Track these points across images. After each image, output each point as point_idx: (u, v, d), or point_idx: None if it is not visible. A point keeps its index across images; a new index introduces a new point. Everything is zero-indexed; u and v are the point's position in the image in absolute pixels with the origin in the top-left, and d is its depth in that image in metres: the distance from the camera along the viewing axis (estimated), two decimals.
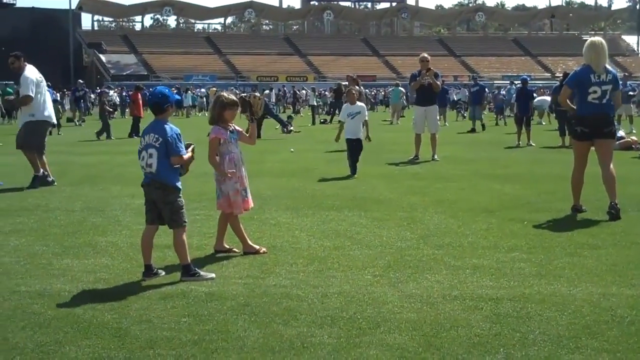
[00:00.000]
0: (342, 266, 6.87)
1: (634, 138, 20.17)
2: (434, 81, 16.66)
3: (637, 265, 6.82)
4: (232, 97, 7.63)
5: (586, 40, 9.81)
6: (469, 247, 7.68)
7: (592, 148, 9.64)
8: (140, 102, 27.85)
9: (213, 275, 6.56)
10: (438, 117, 18.31)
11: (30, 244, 7.98)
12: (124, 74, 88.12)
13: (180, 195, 6.56)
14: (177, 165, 6.52)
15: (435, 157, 16.79)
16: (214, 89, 56.99)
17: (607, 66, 9.60)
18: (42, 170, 12.81)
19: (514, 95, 28.34)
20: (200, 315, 5.39)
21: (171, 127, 6.46)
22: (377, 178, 13.62)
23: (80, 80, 45.06)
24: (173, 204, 6.48)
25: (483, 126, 29.79)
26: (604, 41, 9.77)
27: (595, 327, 5.05)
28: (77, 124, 38.41)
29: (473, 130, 28.79)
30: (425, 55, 17.20)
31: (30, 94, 12.67)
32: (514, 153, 19.41)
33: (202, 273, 6.53)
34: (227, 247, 7.59)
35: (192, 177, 13.45)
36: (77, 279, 6.48)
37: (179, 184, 6.56)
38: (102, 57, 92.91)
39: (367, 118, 14.35)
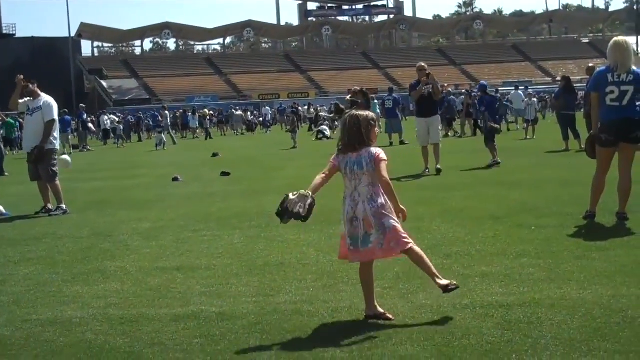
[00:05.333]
0: (351, 280, 6.77)
1: None
2: (435, 86, 16.65)
3: None
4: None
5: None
6: (477, 255, 7.67)
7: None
8: None
9: None
10: (440, 128, 18.26)
11: (39, 273, 8.00)
12: (126, 98, 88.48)
13: None
14: None
15: (439, 166, 16.62)
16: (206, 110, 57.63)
17: (634, 67, 8.97)
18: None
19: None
20: (212, 336, 5.40)
21: None
22: None
23: (82, 105, 45.21)
24: None
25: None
26: (628, 40, 9.27)
27: (607, 329, 5.04)
28: (83, 150, 38.77)
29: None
30: (422, 64, 17.15)
31: (55, 117, 12.76)
32: (518, 159, 19.33)
33: None
34: (381, 311, 5.70)
35: (198, 197, 13.34)
36: (87, 305, 6.49)
37: None
38: (104, 83, 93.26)
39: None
